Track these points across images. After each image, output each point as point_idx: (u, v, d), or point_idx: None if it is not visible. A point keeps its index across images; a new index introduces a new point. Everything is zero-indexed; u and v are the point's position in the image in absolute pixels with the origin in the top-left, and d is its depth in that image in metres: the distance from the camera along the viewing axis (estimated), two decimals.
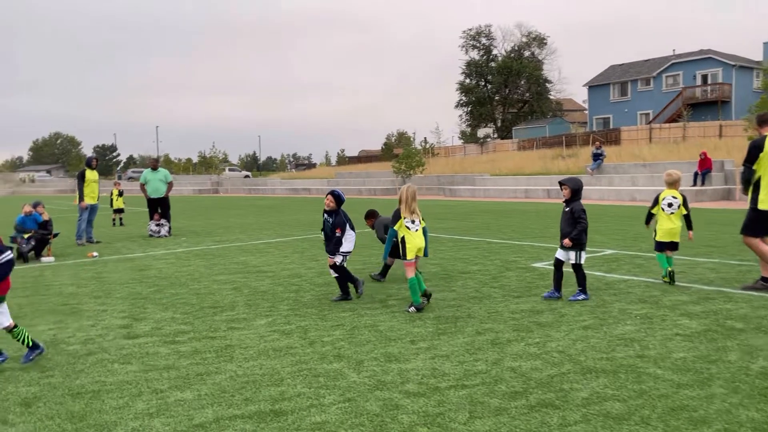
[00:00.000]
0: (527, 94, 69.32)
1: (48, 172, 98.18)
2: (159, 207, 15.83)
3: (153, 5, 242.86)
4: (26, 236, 11.89)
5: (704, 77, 52.90)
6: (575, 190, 7.22)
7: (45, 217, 12.41)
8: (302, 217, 21.86)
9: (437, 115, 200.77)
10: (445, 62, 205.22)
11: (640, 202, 24.51)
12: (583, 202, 7.52)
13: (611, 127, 55.76)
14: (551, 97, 69.80)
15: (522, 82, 68.57)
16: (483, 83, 69.95)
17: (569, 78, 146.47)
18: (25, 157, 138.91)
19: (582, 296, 7.09)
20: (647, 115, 55.91)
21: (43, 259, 11.78)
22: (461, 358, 5.11)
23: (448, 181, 38.09)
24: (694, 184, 25.91)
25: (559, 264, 7.19)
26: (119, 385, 4.72)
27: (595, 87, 60.69)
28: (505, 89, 69.41)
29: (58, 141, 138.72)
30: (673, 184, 8.13)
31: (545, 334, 5.77)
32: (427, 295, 6.94)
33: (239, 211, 26.33)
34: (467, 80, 70.11)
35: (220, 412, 4.15)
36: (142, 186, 16.12)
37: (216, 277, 9.48)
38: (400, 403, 4.20)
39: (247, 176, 68.23)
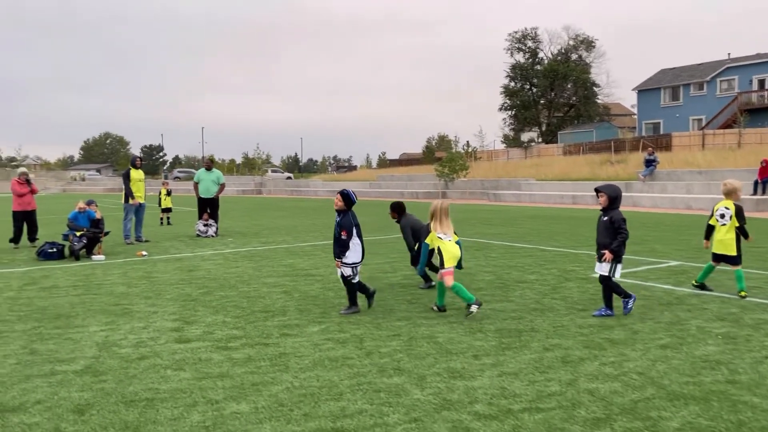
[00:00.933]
0: (574, 98, 67.89)
1: (98, 170, 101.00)
2: (208, 207, 15.85)
3: (201, 8, 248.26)
4: (78, 234, 11.98)
5: (761, 82, 50.82)
6: (613, 198, 6.71)
7: (97, 215, 12.50)
8: None
9: (478, 119, 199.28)
10: (487, 65, 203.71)
11: (696, 210, 23.53)
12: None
13: (661, 132, 54.10)
14: (599, 101, 68.20)
15: (568, 86, 67.21)
16: (528, 86, 68.88)
17: (617, 82, 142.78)
18: (76, 156, 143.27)
19: (607, 311, 6.63)
20: (700, 120, 54.05)
21: (94, 257, 11.85)
22: (531, 377, 4.76)
23: (493, 186, 37.46)
24: (755, 193, 24.75)
25: (604, 279, 6.69)
26: (173, 394, 4.54)
27: (645, 91, 59.02)
28: (550, 93, 68.17)
29: (108, 141, 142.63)
30: (728, 194, 7.77)
31: (620, 352, 5.36)
32: (442, 310, 6.97)
33: (283, 212, 26.35)
34: (512, 83, 69.13)
35: (278, 428, 3.91)
36: (195, 185, 16.18)
37: (265, 279, 9.32)
38: (471, 426, 3.88)
39: (289, 178, 68.71)
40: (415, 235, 8.39)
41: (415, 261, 8.59)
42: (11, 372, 5.08)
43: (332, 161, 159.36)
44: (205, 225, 15.71)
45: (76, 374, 5.01)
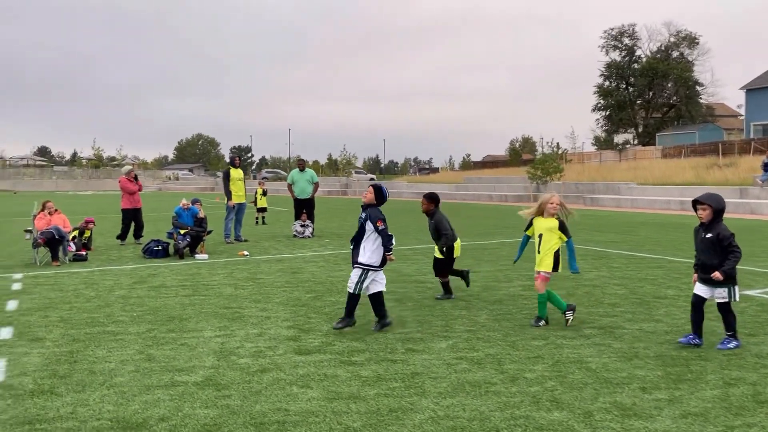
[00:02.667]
0: (674, 98, 63.94)
1: (190, 170, 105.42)
2: (305, 208, 15.65)
3: (288, 14, 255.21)
4: (182, 232, 11.98)
5: None
6: (718, 211, 5.60)
7: (201, 214, 12.49)
8: None
9: (562, 121, 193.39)
10: (571, 66, 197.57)
11: None
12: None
13: None
14: (702, 101, 63.88)
15: (668, 85, 63.33)
16: (624, 86, 65.55)
17: (721, 80, 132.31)
18: (170, 156, 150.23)
19: (734, 343, 5.55)
20: None
21: (197, 256, 11.81)
22: (725, 421, 3.94)
23: (588, 189, 35.66)
24: None
25: (699, 302, 5.65)
26: (304, 417, 4.05)
27: (755, 90, 54.75)
28: (648, 92, 64.51)
29: (200, 142, 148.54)
30: None
31: None
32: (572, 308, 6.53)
33: None
34: (606, 83, 65.96)
35: None
36: (290, 186, 16.03)
37: None
38: None
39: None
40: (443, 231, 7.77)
41: (438, 269, 7.93)
42: (130, 381, 4.78)
43: (413, 163, 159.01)
44: (302, 226, 15.52)
45: (197, 386, 4.64)
